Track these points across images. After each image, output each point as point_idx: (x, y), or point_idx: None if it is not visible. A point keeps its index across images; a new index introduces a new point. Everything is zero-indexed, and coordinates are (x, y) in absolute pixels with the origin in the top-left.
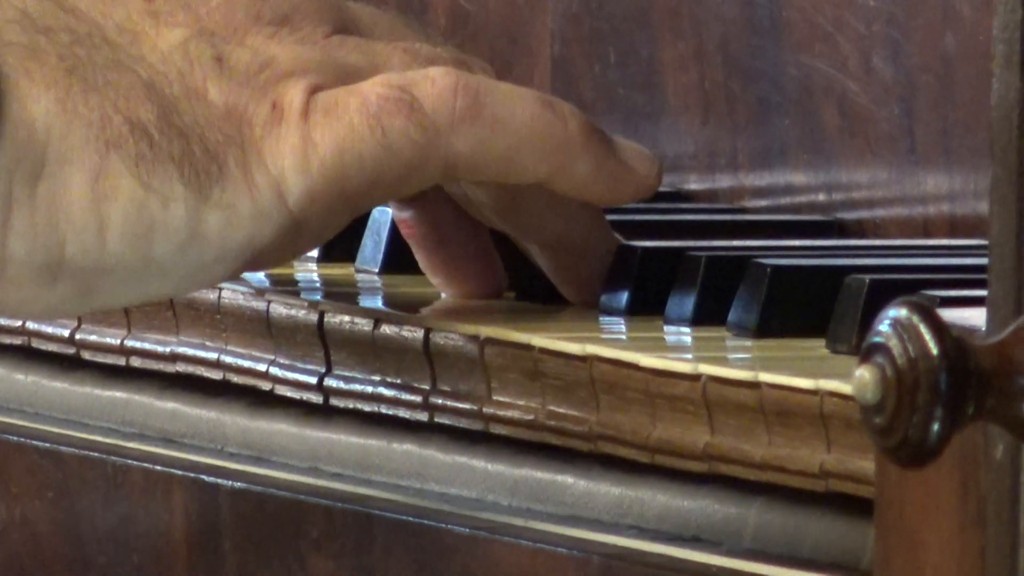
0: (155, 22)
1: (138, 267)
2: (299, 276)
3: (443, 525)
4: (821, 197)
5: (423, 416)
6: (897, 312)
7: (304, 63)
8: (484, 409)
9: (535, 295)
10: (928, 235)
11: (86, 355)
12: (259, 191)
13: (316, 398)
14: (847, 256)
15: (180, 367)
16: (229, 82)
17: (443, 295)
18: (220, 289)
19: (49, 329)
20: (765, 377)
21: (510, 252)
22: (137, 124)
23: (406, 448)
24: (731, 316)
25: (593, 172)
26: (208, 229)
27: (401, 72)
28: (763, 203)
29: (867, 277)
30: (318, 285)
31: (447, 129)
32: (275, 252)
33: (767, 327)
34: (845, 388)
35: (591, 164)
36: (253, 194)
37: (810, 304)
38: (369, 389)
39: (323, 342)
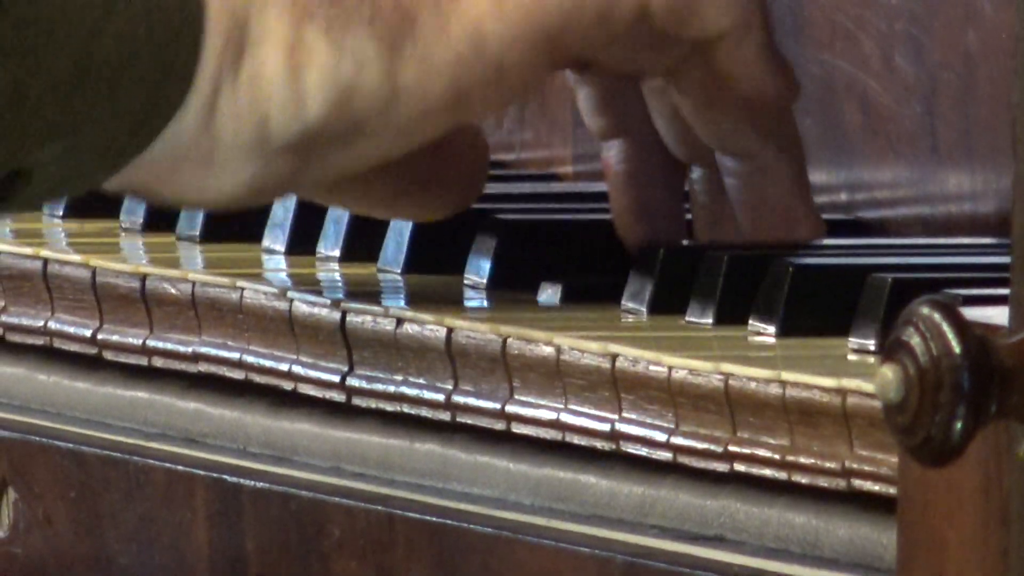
0: None
1: (344, 131)
2: (321, 276)
3: (465, 525)
4: (843, 196)
5: (445, 416)
6: (920, 311)
7: None
8: (506, 408)
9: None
10: (950, 234)
11: (108, 355)
12: (455, 39)
13: (338, 397)
14: (869, 255)
15: (202, 367)
16: None
17: (466, 295)
18: (242, 289)
19: (71, 329)
20: (788, 376)
21: (541, 253)
22: None
23: (428, 448)
24: (753, 315)
25: (759, 51)
26: (406, 83)
27: None
28: None
29: (889, 276)
30: (340, 285)
31: None
32: (481, 102)
33: (789, 326)
34: (868, 387)
35: (760, 42)
36: (449, 42)
37: (832, 303)
38: (391, 388)
39: (345, 341)
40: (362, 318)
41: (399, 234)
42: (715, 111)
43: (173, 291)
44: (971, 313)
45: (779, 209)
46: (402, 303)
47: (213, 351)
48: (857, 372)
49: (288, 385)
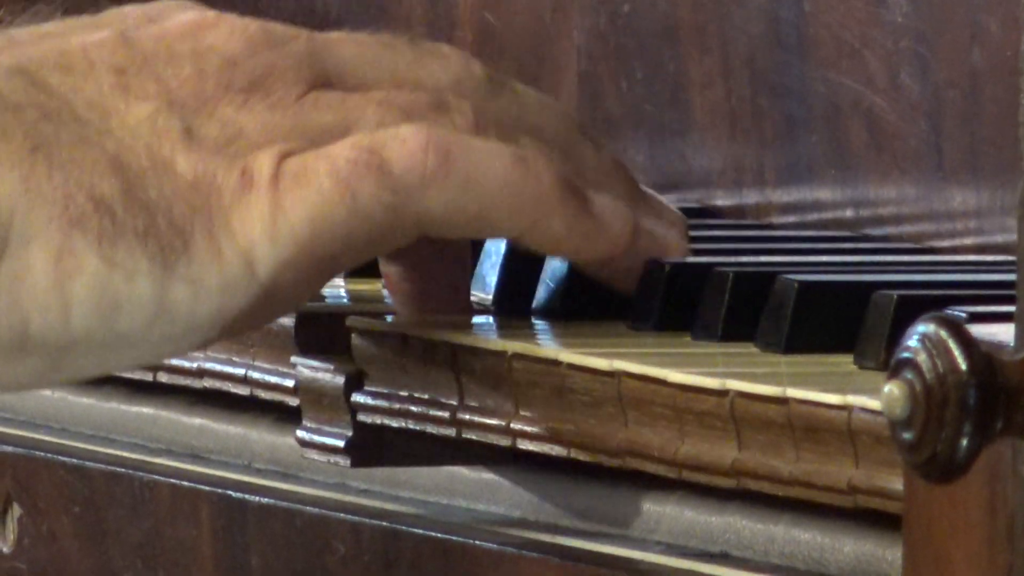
0: (125, 96)
1: (106, 341)
2: (327, 291)
3: (470, 541)
4: (848, 213)
5: (450, 432)
6: (925, 328)
7: (273, 131)
8: (511, 425)
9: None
10: (955, 251)
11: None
12: (227, 262)
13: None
14: (875, 272)
15: (207, 383)
16: (198, 153)
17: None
18: None
19: None
20: (793, 393)
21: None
22: (100, 201)
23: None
24: (759, 332)
25: (566, 229)
26: (175, 303)
27: (372, 131)
28: (790, 219)
29: (895, 293)
30: (345, 301)
31: (418, 189)
32: (248, 320)
33: (795, 343)
34: (873, 404)
35: (565, 221)
36: (221, 266)
37: (838, 320)
38: (397, 405)
39: (350, 357)
40: (367, 334)
41: None
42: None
43: None
44: (977, 330)
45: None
46: (407, 319)
47: (218, 367)
48: (863, 389)
49: (293, 401)
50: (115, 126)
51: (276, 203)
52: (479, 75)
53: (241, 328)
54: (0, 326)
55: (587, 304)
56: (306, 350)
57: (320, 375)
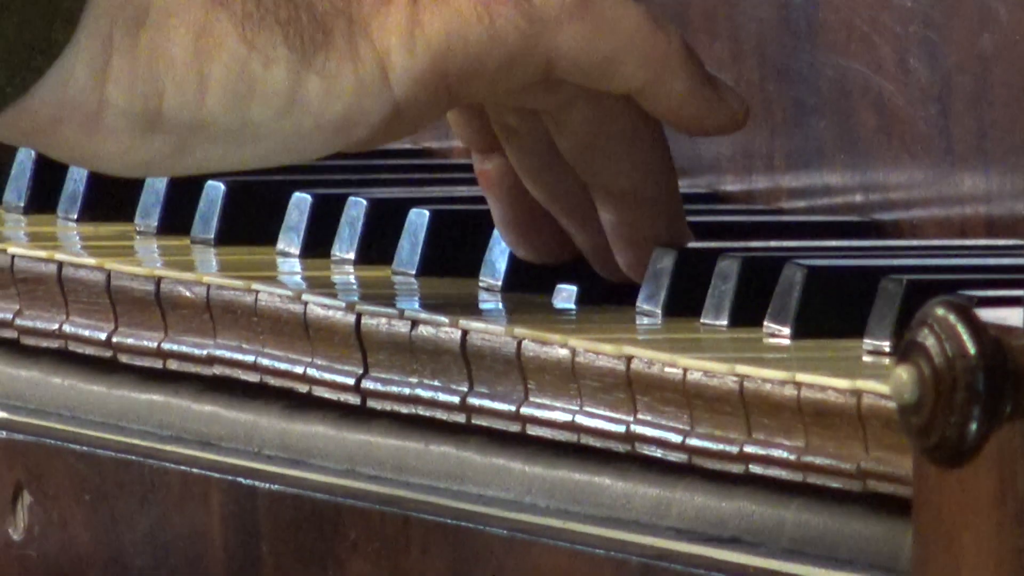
0: None
1: (235, 127)
2: (336, 278)
3: (480, 527)
4: (858, 198)
5: (460, 418)
6: (934, 312)
7: None
8: (521, 410)
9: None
10: (965, 235)
11: (123, 358)
12: (363, 65)
13: (353, 400)
14: (884, 257)
15: (217, 370)
16: None
17: (481, 297)
18: (257, 292)
19: (86, 332)
20: (802, 377)
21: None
22: None
23: (443, 450)
24: (768, 317)
25: (688, 92)
26: (308, 96)
27: None
28: (800, 204)
29: (904, 278)
30: (355, 287)
31: (554, 23)
32: (371, 131)
33: (804, 328)
34: (883, 388)
35: (688, 83)
36: (357, 67)
37: (847, 305)
38: (406, 391)
39: (360, 344)
40: (377, 320)
41: (414, 236)
42: (595, 151)
43: (188, 294)
44: (986, 314)
45: (657, 241)
46: (417, 305)
47: (228, 354)
48: (872, 374)
49: (303, 388)
50: None
51: (414, 16)
52: None
53: (364, 141)
54: (135, 96)
55: (446, 261)
56: None
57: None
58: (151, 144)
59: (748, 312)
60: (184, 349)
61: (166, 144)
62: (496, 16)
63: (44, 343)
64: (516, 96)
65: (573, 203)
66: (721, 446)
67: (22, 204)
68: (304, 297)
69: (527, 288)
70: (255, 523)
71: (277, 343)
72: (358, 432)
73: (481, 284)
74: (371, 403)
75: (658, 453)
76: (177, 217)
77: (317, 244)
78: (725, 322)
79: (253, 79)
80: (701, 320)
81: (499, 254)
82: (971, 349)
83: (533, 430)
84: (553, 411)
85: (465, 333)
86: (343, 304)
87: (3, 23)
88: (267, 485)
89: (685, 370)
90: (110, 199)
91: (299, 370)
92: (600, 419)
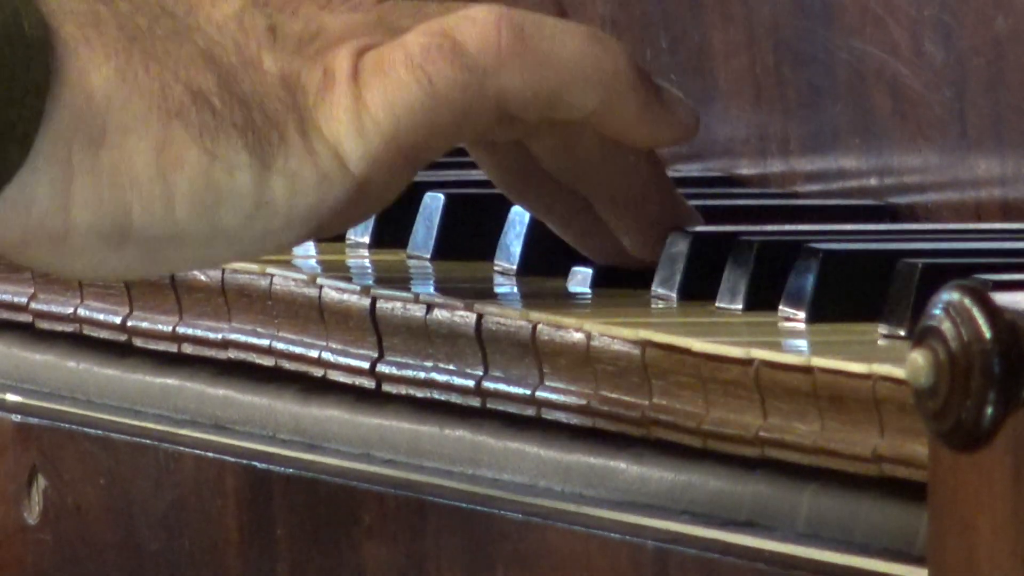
0: None
1: (206, 235)
2: (351, 262)
3: (496, 511)
4: (873, 181)
5: (475, 402)
6: (950, 296)
7: (354, 28)
8: (536, 394)
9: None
10: (980, 219)
11: (138, 342)
12: (320, 157)
13: (368, 384)
14: (899, 240)
15: (232, 354)
16: (282, 51)
17: (496, 280)
18: (271, 276)
19: (101, 316)
20: (818, 362)
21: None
22: (198, 93)
23: (458, 434)
24: (783, 301)
25: (639, 111)
26: (274, 196)
27: (443, 18)
28: (815, 188)
29: (920, 261)
30: (370, 271)
31: (493, 68)
32: (342, 216)
33: (819, 312)
34: (898, 372)
35: (637, 103)
36: (315, 160)
37: (863, 288)
38: (421, 375)
39: (375, 328)
40: (392, 304)
41: (429, 220)
42: (574, 166)
43: (203, 278)
44: (1001, 298)
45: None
46: (432, 289)
47: (243, 338)
48: (887, 358)
49: (318, 371)
50: (203, 22)
51: (357, 97)
52: None
53: (336, 225)
54: (103, 216)
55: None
56: None
57: None
58: (122, 256)
59: (763, 296)
60: (199, 333)
61: (137, 254)
62: (435, 76)
63: (59, 327)
64: (480, 138)
65: (561, 210)
66: (736, 430)
67: None
68: (319, 281)
69: (542, 272)
70: (270, 507)
71: (292, 327)
72: (373, 416)
73: (496, 268)
74: (386, 387)
75: (673, 437)
76: None
77: None
78: (740, 306)
79: (219, 188)
80: (716, 304)
81: (514, 238)
82: (987, 333)
83: (548, 414)
84: (568, 395)
85: (480, 317)
86: (358, 288)
87: None
88: (282, 469)
89: (700, 354)
90: None
91: (314, 354)
92: (615, 403)
